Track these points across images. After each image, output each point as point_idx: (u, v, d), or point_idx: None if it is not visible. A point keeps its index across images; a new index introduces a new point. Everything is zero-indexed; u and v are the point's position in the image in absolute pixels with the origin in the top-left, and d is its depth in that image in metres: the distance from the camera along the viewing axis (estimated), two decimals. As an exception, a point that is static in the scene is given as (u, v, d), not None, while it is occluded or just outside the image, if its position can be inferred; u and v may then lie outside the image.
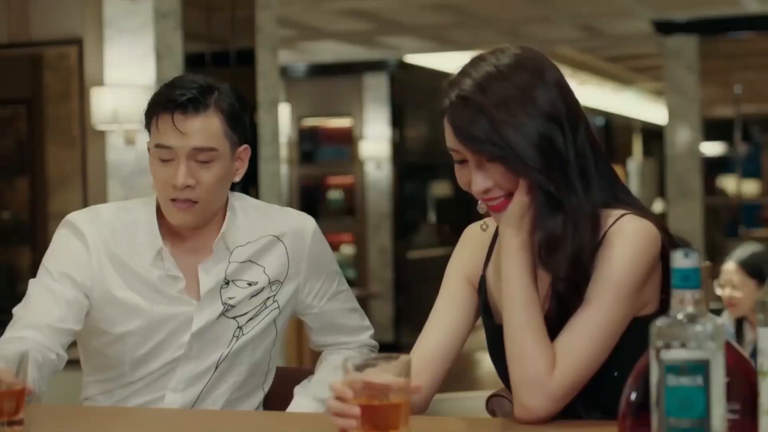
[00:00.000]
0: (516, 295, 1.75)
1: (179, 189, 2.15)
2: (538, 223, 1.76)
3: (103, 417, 2.06)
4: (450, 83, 1.78)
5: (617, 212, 1.79)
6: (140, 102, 5.70)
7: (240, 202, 2.31)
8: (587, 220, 1.75)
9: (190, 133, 2.15)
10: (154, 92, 2.24)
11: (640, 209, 1.82)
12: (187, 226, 2.22)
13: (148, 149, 2.22)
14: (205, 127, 2.16)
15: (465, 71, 1.78)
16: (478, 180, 1.77)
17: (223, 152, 2.19)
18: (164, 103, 2.16)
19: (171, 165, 2.16)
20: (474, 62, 1.79)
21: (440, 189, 12.48)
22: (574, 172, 1.76)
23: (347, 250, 11.06)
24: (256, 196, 6.00)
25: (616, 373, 1.73)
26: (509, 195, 1.77)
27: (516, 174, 1.74)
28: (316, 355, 2.49)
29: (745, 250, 3.99)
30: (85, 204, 5.49)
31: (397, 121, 11.13)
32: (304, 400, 2.30)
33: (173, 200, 2.18)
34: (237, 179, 2.26)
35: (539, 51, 1.83)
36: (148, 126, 2.22)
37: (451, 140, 1.77)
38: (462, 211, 12.27)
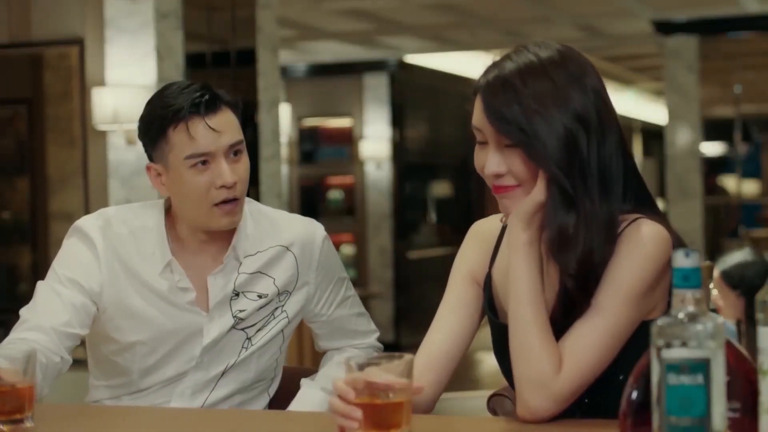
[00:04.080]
0: (523, 292, 1.74)
1: (228, 187, 2.12)
2: (549, 217, 1.74)
3: (109, 416, 2.06)
4: (492, 64, 1.79)
5: (631, 216, 1.79)
6: (141, 102, 5.73)
7: (249, 206, 2.28)
8: (602, 227, 1.73)
9: (222, 131, 2.13)
10: (146, 111, 2.16)
11: (659, 217, 1.81)
12: (234, 227, 2.19)
13: (163, 167, 2.15)
14: (230, 121, 2.16)
15: (509, 56, 1.78)
16: (493, 162, 1.76)
17: (244, 143, 2.19)
18: (188, 108, 2.10)
19: (208, 169, 2.12)
20: (518, 50, 1.79)
21: (440, 189, 12.47)
22: (594, 178, 1.74)
23: (347, 250, 11.05)
24: (257, 195, 6.00)
25: (621, 377, 1.71)
26: (519, 186, 1.77)
27: (534, 163, 1.73)
28: (316, 355, 2.49)
29: (732, 257, 3.87)
30: (85, 204, 5.49)
31: (397, 121, 11.12)
32: (312, 390, 2.29)
33: (220, 204, 2.13)
34: None
35: (584, 56, 1.82)
36: (154, 142, 2.15)
37: (477, 118, 1.77)
38: (462, 211, 12.29)
